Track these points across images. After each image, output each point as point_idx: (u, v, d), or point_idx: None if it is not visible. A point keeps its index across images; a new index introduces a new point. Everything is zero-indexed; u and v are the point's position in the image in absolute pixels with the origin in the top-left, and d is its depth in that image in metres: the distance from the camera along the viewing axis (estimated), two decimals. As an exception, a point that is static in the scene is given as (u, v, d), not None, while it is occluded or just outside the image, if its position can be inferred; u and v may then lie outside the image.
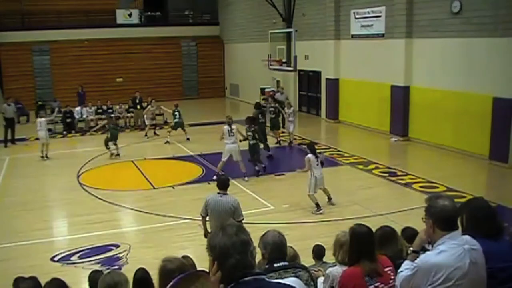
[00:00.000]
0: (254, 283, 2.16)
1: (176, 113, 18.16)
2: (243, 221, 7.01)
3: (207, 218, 7.48)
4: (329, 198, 10.91)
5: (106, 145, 15.99)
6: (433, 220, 3.09)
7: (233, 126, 13.10)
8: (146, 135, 19.32)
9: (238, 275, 2.15)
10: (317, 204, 10.49)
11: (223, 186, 7.40)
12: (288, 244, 3.93)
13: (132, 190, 12.65)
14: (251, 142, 13.32)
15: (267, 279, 2.28)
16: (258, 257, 3.13)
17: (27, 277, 4.37)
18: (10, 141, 18.33)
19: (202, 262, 2.99)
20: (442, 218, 3.07)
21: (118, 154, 16.03)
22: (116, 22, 29.27)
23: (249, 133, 13.36)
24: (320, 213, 10.38)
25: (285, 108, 17.39)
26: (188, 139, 18.14)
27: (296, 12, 23.19)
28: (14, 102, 24.13)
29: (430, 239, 3.21)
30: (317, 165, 10.56)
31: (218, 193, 7.36)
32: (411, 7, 16.43)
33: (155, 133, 19.77)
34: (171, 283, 2.22)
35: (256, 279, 2.17)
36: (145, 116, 20.21)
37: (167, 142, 17.90)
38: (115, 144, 16.01)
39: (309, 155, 10.60)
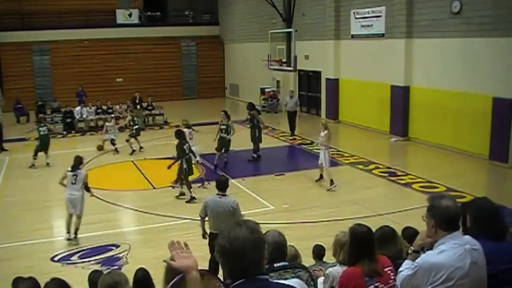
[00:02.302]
0: (257, 282, 2.15)
1: (136, 119, 17.31)
2: None
3: (206, 219, 7.47)
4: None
5: (35, 154, 14.76)
6: (435, 220, 3.09)
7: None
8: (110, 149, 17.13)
9: (253, 271, 2.13)
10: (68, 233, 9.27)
11: (222, 187, 7.38)
12: (289, 244, 3.93)
13: (132, 190, 12.65)
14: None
15: (270, 279, 2.28)
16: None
17: (26, 277, 4.36)
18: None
19: (202, 262, 2.99)
20: (445, 219, 3.06)
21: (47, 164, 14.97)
22: (116, 22, 29.27)
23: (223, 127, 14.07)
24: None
25: (322, 130, 12.24)
26: (141, 148, 16.79)
27: (296, 12, 23.19)
28: (15, 101, 24.20)
29: (432, 238, 3.20)
30: (73, 183, 9.31)
31: (217, 194, 7.35)
32: (411, 7, 16.43)
33: (116, 150, 16.90)
34: (175, 279, 2.21)
35: (259, 278, 2.16)
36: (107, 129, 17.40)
37: (133, 151, 16.50)
38: (46, 154, 14.93)
39: (68, 170, 9.31)
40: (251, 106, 15.61)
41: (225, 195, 7.32)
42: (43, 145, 14.94)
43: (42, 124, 15.44)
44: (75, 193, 9.30)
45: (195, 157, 12.11)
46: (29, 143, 18.94)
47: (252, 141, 15.19)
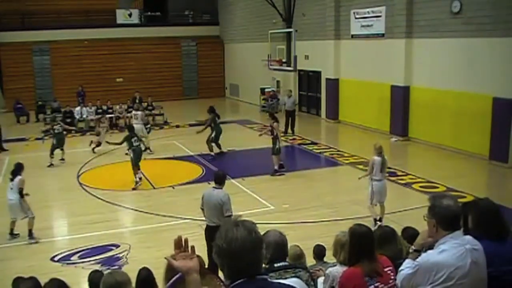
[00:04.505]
0: (257, 282, 2.15)
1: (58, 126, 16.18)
2: (231, 217, 7.01)
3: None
4: None
5: (51, 153, 15.03)
6: (436, 219, 3.09)
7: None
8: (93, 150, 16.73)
9: (251, 271, 2.13)
10: None
11: (218, 180, 7.62)
12: (293, 244, 3.92)
13: (132, 190, 12.64)
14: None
15: (269, 279, 2.28)
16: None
17: (26, 278, 4.37)
18: None
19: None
20: (446, 218, 3.07)
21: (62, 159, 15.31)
22: (116, 22, 29.27)
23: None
24: None
25: (375, 155, 10.06)
26: (62, 159, 15.52)
27: (296, 12, 23.18)
28: (15, 101, 24.20)
29: (433, 238, 3.20)
30: (11, 188, 9.43)
31: (213, 187, 7.60)
32: (411, 7, 16.43)
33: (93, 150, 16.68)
34: (174, 278, 2.21)
35: (258, 278, 2.16)
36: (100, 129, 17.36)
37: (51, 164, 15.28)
38: (62, 150, 15.29)
39: None
40: (209, 110, 15.87)
41: (219, 188, 7.50)
42: (59, 142, 15.48)
43: (56, 123, 16.09)
44: (11, 198, 9.44)
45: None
46: (29, 143, 18.96)
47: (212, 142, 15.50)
